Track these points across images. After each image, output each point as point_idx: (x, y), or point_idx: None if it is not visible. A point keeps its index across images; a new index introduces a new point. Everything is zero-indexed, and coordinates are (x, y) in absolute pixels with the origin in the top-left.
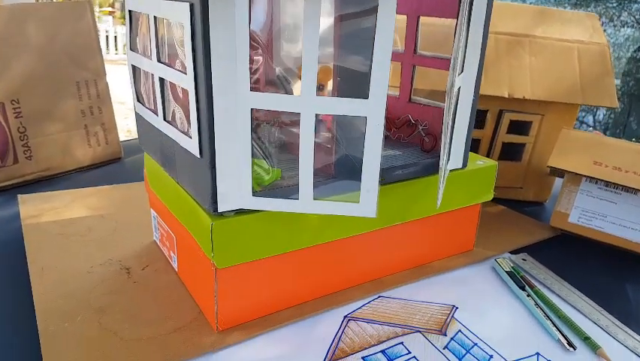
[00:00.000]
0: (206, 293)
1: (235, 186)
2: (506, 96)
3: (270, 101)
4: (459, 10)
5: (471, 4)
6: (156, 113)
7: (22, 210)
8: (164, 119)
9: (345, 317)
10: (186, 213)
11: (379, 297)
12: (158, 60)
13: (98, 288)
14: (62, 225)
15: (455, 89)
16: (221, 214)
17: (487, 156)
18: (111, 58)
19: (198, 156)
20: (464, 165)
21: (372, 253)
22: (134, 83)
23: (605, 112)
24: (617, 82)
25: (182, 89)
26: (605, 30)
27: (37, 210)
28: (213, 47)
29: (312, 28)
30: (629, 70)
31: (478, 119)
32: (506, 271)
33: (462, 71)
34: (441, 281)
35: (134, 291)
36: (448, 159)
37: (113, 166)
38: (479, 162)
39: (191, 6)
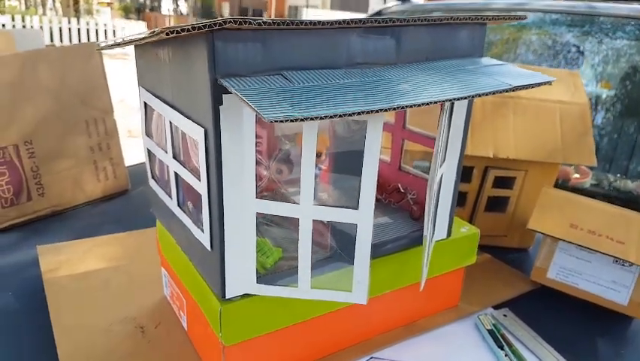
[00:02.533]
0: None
1: (241, 275)
2: (491, 156)
3: (274, 207)
4: (439, 119)
5: (450, 115)
6: (170, 197)
7: (41, 264)
8: (178, 205)
9: None
10: (197, 289)
11: (371, 358)
12: (174, 157)
13: (117, 349)
14: (78, 279)
15: (437, 179)
16: (229, 299)
17: (474, 207)
18: (110, 53)
19: (209, 250)
20: (449, 235)
21: (364, 317)
22: (150, 163)
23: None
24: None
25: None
26: (600, 41)
27: (54, 264)
28: (224, 164)
29: (309, 154)
30: (627, 75)
31: (465, 174)
32: (487, 330)
33: (444, 160)
34: (427, 340)
35: (150, 352)
36: (430, 244)
37: (120, 199)
38: (463, 229)
39: (206, 131)
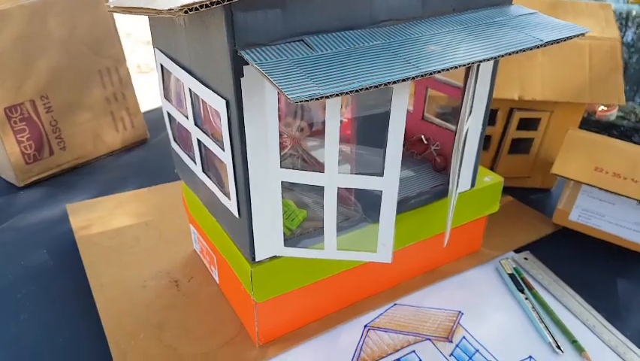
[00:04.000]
0: (247, 315)
1: (269, 240)
2: (516, 99)
3: (298, 176)
4: (466, 77)
5: (477, 71)
6: (194, 162)
7: (72, 222)
8: (203, 170)
9: (365, 326)
10: (227, 250)
11: (395, 305)
12: (195, 124)
13: (154, 304)
14: (110, 236)
15: (463, 133)
16: (259, 261)
17: (497, 150)
18: None
19: (237, 217)
20: (472, 185)
21: (388, 268)
22: (170, 126)
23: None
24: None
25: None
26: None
27: (85, 221)
28: (248, 135)
29: (333, 124)
30: None
31: (489, 117)
32: (508, 274)
33: (470, 114)
34: (449, 285)
35: (185, 306)
36: (454, 200)
37: (141, 148)
38: (486, 178)
39: (227, 102)
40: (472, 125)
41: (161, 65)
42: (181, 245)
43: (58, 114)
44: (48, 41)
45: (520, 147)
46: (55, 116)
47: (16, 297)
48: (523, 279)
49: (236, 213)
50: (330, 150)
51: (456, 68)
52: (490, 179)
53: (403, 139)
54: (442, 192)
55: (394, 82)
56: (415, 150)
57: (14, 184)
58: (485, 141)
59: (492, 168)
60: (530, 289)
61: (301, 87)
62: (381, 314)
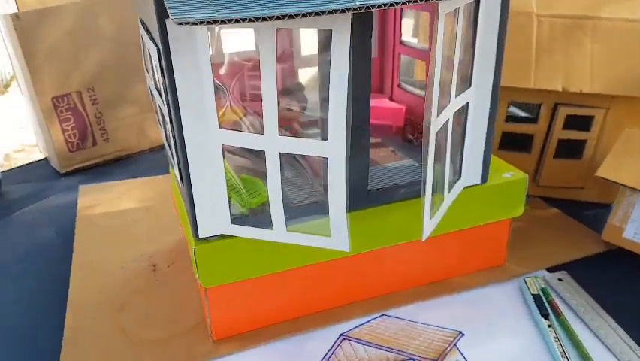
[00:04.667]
0: (204, 305)
1: (214, 214)
2: (560, 90)
3: (238, 138)
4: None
5: (477, 6)
6: (165, 132)
7: (79, 201)
8: (166, 139)
9: (340, 335)
10: (186, 229)
11: (382, 315)
12: (155, 85)
13: (126, 285)
14: (112, 217)
15: (447, 110)
16: (206, 238)
17: (541, 153)
18: None
19: (181, 183)
20: (483, 180)
21: (376, 269)
22: (153, 103)
23: None
24: None
25: None
26: None
27: (93, 201)
28: (179, 89)
29: (269, 72)
30: None
31: (531, 112)
32: (532, 294)
33: (469, 86)
34: (456, 301)
35: (155, 290)
36: (447, 190)
37: None
38: (507, 174)
39: (158, 50)
40: (475, 101)
41: (141, 36)
42: (174, 232)
43: (103, 106)
44: (98, 36)
45: (570, 150)
46: (100, 108)
47: (10, 270)
48: (550, 302)
49: (179, 180)
50: (268, 106)
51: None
52: (512, 175)
53: (346, 93)
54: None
55: (330, 12)
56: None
57: (58, 170)
58: (526, 141)
59: (535, 175)
60: (558, 315)
61: (193, 9)
62: (362, 324)
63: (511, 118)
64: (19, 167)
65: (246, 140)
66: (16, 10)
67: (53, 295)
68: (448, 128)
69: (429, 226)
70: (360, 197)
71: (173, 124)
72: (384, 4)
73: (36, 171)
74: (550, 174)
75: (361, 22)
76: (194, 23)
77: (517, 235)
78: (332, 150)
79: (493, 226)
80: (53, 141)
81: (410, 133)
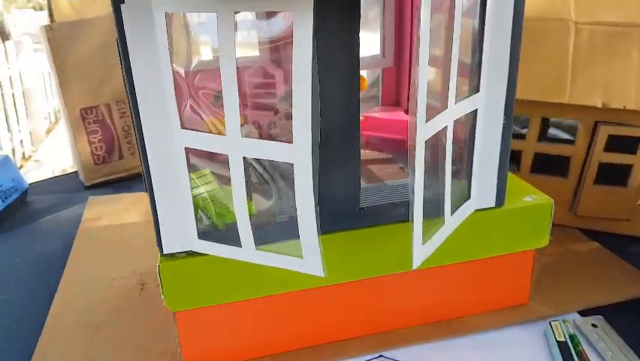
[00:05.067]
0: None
1: (180, 227)
2: (599, 106)
3: (201, 140)
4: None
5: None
6: None
7: (85, 213)
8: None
9: None
10: None
11: (380, 356)
12: None
13: (108, 302)
14: (113, 230)
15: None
16: (173, 255)
17: (579, 178)
18: None
19: (146, 191)
20: (499, 203)
21: (373, 301)
22: None
23: None
24: None
25: None
26: None
27: (98, 213)
28: (137, 82)
29: (229, 67)
30: None
31: (567, 131)
32: (557, 341)
33: (477, 90)
34: (467, 344)
35: (137, 311)
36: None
37: None
38: (528, 197)
39: (117, 41)
40: (487, 111)
41: None
42: None
43: (131, 120)
44: None
45: (612, 175)
46: (128, 122)
47: (10, 278)
48: (580, 353)
49: (145, 186)
50: (230, 105)
51: None
52: (534, 199)
53: (310, 86)
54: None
55: None
56: None
57: (83, 183)
58: (563, 163)
59: (573, 203)
60: None
61: None
62: None
63: (546, 138)
64: (50, 178)
65: (208, 142)
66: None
67: (37, 309)
68: (447, 138)
69: (421, 252)
70: (350, 215)
71: (134, 121)
72: None
73: (65, 183)
74: (589, 202)
75: (345, 8)
76: None
77: (547, 270)
78: (297, 154)
79: (513, 257)
80: (80, 153)
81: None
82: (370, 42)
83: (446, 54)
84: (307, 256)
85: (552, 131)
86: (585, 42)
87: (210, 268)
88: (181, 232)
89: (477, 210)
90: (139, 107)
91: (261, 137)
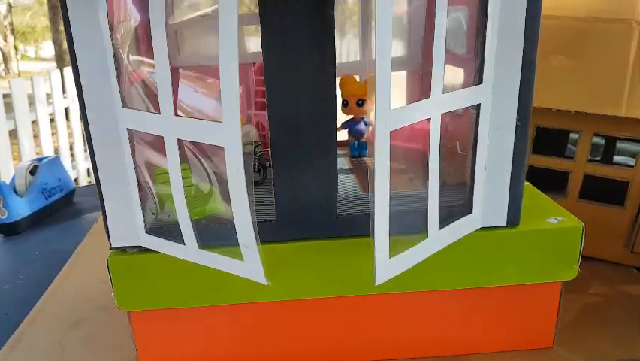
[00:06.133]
0: None
1: (129, 221)
2: None
3: (142, 121)
4: None
5: None
6: None
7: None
8: None
9: None
10: None
11: None
12: None
13: (93, 300)
14: None
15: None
16: (124, 250)
17: (639, 209)
18: None
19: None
20: (512, 222)
21: (360, 325)
22: None
23: None
24: None
25: None
26: None
27: None
28: (80, 58)
29: (158, 35)
30: None
31: (616, 151)
32: None
33: (480, 81)
34: None
35: (111, 319)
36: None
37: None
38: (553, 219)
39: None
40: (493, 107)
41: None
42: None
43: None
44: None
45: None
46: None
47: (20, 270)
48: None
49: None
50: (161, 80)
51: None
52: (560, 221)
53: (237, 62)
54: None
55: None
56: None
57: None
58: (619, 190)
59: (630, 237)
60: None
61: None
62: None
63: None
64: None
65: (148, 123)
66: None
67: (32, 301)
68: (432, 132)
69: (384, 267)
70: (325, 223)
71: (79, 100)
72: None
73: None
74: None
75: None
76: None
77: (588, 312)
78: (226, 134)
79: (533, 289)
80: None
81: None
82: (395, 44)
83: (430, 31)
84: (247, 259)
85: (621, 159)
86: None
87: (164, 267)
88: (129, 226)
89: (484, 229)
90: (81, 83)
91: (264, 138)
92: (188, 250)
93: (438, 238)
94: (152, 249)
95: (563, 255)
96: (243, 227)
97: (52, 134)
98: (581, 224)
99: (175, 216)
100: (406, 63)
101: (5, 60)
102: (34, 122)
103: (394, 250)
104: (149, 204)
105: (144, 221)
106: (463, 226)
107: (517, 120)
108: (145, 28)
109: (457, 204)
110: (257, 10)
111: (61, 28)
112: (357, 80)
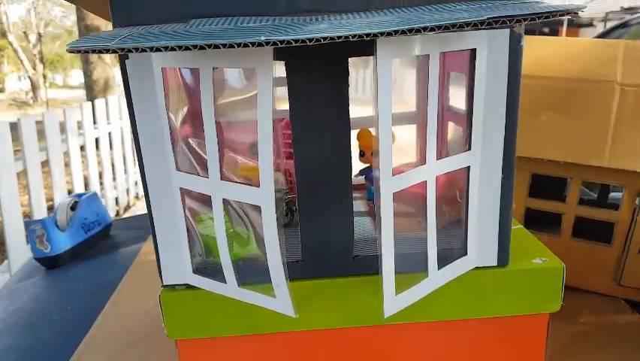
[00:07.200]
0: None
1: (177, 261)
2: None
3: (192, 182)
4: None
5: (473, 58)
6: None
7: (144, 246)
8: None
9: None
10: None
11: None
12: None
13: (132, 333)
14: None
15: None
16: (173, 287)
17: (624, 246)
18: None
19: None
20: (501, 262)
21: (375, 350)
22: None
23: None
24: None
25: None
26: None
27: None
28: (140, 128)
29: (208, 116)
30: None
31: (605, 196)
32: None
33: (469, 148)
34: None
35: (160, 343)
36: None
37: None
38: (538, 260)
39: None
40: (481, 169)
41: None
42: None
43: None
44: None
45: None
46: None
47: (68, 301)
48: None
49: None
50: (210, 149)
51: (337, 39)
52: (544, 261)
53: (271, 135)
54: (445, 259)
55: (246, 44)
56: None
57: None
58: (607, 231)
59: (617, 272)
60: None
61: (107, 42)
62: None
63: (606, 203)
64: (135, 216)
65: (197, 184)
66: None
67: (81, 330)
68: (429, 193)
69: (391, 302)
70: (343, 263)
71: (138, 163)
72: (296, 40)
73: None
74: (635, 272)
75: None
76: (85, 52)
77: (577, 341)
78: (262, 196)
79: (523, 320)
80: None
81: (445, 205)
82: (406, 99)
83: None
84: (278, 295)
85: (618, 195)
86: (630, 105)
87: (208, 301)
88: (178, 266)
89: (478, 268)
90: (141, 151)
91: (290, 184)
92: (229, 288)
93: (437, 277)
94: (198, 286)
95: (548, 290)
96: (275, 269)
97: (82, 161)
98: (562, 264)
99: (217, 258)
100: (414, 118)
101: (34, 88)
102: (65, 153)
103: (400, 287)
104: (195, 247)
105: (192, 263)
106: (460, 266)
107: (503, 177)
108: (192, 98)
109: (454, 247)
110: (284, 75)
111: (92, 59)
112: (372, 132)
